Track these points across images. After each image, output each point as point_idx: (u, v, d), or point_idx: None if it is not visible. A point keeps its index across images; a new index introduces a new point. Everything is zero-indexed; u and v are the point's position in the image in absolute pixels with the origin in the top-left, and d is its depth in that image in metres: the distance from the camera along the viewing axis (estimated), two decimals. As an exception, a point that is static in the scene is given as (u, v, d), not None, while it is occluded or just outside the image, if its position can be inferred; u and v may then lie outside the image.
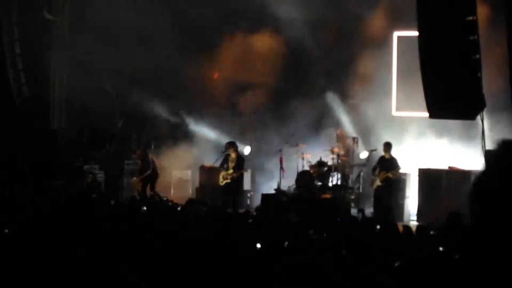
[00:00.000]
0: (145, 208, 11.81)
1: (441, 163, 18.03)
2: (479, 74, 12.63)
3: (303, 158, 19.05)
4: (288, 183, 18.91)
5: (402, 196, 17.91)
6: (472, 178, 16.90)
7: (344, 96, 19.94)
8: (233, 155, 17.73)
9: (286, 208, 16.47)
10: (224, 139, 19.81)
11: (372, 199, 17.57)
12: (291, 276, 5.96)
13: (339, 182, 18.68)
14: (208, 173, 19.62)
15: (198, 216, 10.25)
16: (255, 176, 20.08)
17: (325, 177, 18.65)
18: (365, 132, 19.38)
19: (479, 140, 14.41)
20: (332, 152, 18.73)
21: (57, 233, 6.49)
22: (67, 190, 15.34)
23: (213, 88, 20.57)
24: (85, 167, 19.83)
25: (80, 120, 20.78)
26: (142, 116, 21.01)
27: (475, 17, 12.41)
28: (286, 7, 19.16)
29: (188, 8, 19.43)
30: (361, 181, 18.75)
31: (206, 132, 20.67)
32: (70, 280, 5.52)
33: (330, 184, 18.60)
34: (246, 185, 19.59)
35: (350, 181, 18.89)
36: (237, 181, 17.78)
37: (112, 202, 12.88)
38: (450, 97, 13.01)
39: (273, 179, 19.36)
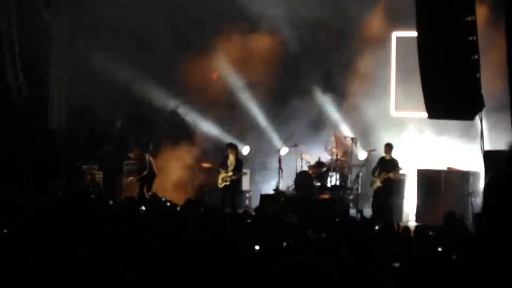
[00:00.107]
0: (143, 208, 11.82)
1: (439, 164, 18.05)
2: (478, 75, 12.65)
3: (302, 159, 19.06)
4: (287, 183, 18.91)
5: (401, 197, 17.93)
6: (471, 178, 17.03)
7: (343, 96, 19.93)
8: (231, 157, 17.75)
9: (285, 209, 16.50)
10: (224, 139, 19.86)
11: (371, 200, 17.58)
12: (290, 276, 5.98)
13: (337, 183, 18.69)
14: (207, 173, 19.62)
15: (197, 216, 10.25)
16: (254, 176, 20.08)
17: (323, 177, 18.66)
18: (364, 132, 19.38)
19: (478, 141, 14.44)
20: (331, 152, 18.74)
21: (57, 233, 6.49)
22: (66, 190, 15.31)
23: (213, 88, 20.56)
24: (84, 167, 19.83)
25: (79, 120, 20.77)
26: (141, 116, 21.00)
27: (474, 18, 12.43)
28: (285, 7, 19.16)
29: (188, 8, 19.44)
30: (360, 182, 18.75)
31: (205, 132, 20.66)
32: (70, 280, 5.52)
33: (328, 185, 18.61)
34: (245, 185, 19.62)
35: (349, 182, 18.90)
36: (236, 181, 17.81)
37: (111, 202, 12.88)
38: (449, 97, 13.03)
39: (272, 179, 19.36)
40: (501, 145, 15.71)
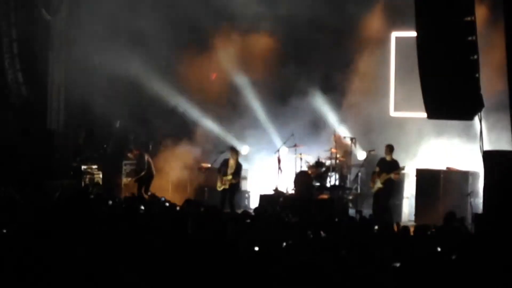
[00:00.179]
0: (142, 207, 11.82)
1: (439, 164, 18.04)
2: (477, 75, 12.64)
3: (301, 159, 19.05)
4: (286, 183, 18.90)
5: (400, 197, 17.92)
6: (470, 178, 17.04)
7: (342, 97, 19.92)
8: (232, 161, 17.76)
9: (284, 209, 16.48)
10: (223, 139, 19.86)
11: (370, 200, 17.56)
12: (290, 276, 5.97)
13: (337, 183, 18.67)
14: (206, 173, 19.61)
15: (196, 216, 10.25)
16: (253, 177, 20.07)
17: (323, 177, 18.64)
18: (363, 132, 19.35)
19: (477, 141, 14.43)
20: (331, 153, 18.74)
21: (57, 233, 6.49)
22: (64, 190, 15.29)
23: (212, 88, 20.55)
24: (83, 167, 19.83)
25: (78, 120, 20.76)
26: (141, 116, 20.98)
27: (473, 18, 12.43)
28: (284, 6, 19.14)
29: (187, 7, 19.43)
30: (359, 182, 18.74)
31: (205, 132, 20.65)
32: (70, 280, 5.52)
33: (328, 185, 18.59)
34: (244, 186, 19.61)
35: (348, 182, 18.88)
36: (235, 184, 17.83)
37: (110, 202, 12.87)
38: (448, 97, 13.02)
39: (271, 179, 19.34)
40: (501, 145, 15.72)
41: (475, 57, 12.52)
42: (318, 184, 18.55)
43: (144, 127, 20.91)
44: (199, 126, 20.65)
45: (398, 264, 6.86)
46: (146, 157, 18.96)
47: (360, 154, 19.03)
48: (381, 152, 17.65)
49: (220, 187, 17.78)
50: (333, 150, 18.73)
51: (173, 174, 20.15)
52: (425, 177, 17.53)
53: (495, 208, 12.96)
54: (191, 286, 6.38)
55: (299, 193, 18.22)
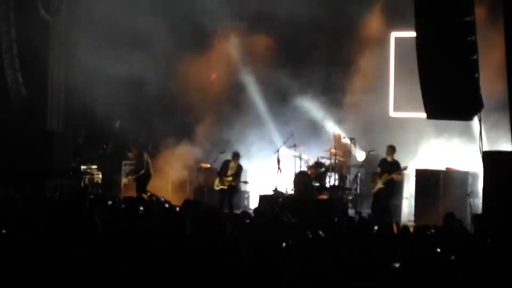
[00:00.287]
0: (142, 208, 11.80)
1: (438, 164, 18.04)
2: (476, 75, 12.65)
3: (300, 159, 19.06)
4: (286, 184, 18.90)
5: (400, 197, 17.92)
6: (470, 179, 17.04)
7: (342, 97, 19.93)
8: (233, 163, 17.79)
9: (284, 209, 16.47)
10: (223, 139, 19.87)
11: (369, 200, 17.55)
12: (290, 276, 5.97)
13: (336, 183, 18.67)
14: (206, 173, 19.61)
15: (195, 216, 10.24)
16: (253, 177, 20.07)
17: (322, 177, 18.64)
18: (363, 133, 19.37)
19: (476, 141, 14.43)
20: (330, 153, 18.74)
21: (56, 233, 6.49)
22: (63, 191, 15.29)
23: (212, 88, 20.55)
24: (83, 167, 19.83)
25: (78, 121, 20.75)
26: (140, 117, 20.99)
27: (473, 18, 12.43)
28: (284, 7, 19.14)
29: (187, 7, 19.44)
30: (358, 182, 18.74)
31: (205, 132, 20.65)
32: (70, 280, 5.52)
33: (327, 185, 18.59)
34: (244, 187, 19.61)
35: (347, 182, 18.88)
36: (234, 185, 17.83)
37: (110, 202, 12.87)
38: (448, 97, 13.02)
39: (270, 179, 19.34)
40: (500, 146, 15.73)
41: (475, 57, 12.53)
42: (317, 184, 18.55)
43: (144, 127, 20.91)
44: (199, 126, 20.66)
45: (397, 264, 6.86)
46: (145, 156, 19.01)
47: (360, 155, 19.04)
48: (381, 152, 17.65)
49: (218, 186, 17.79)
50: (333, 150, 18.74)
51: (172, 174, 20.16)
52: (425, 177, 17.54)
53: (494, 209, 12.97)
54: (190, 286, 6.38)
55: (299, 194, 18.22)
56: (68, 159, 19.41)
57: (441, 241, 9.15)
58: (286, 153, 19.30)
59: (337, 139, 19.07)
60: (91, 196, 13.86)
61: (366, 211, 16.78)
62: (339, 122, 19.84)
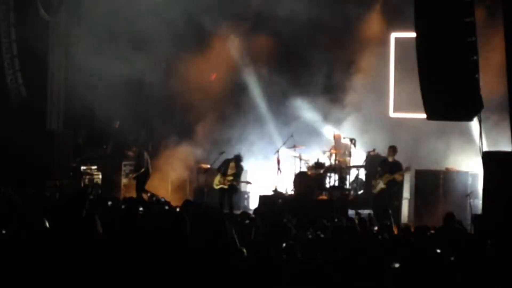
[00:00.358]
0: (141, 208, 11.81)
1: (438, 164, 18.04)
2: (476, 76, 12.64)
3: (300, 159, 19.05)
4: (286, 184, 18.90)
5: (400, 197, 17.91)
6: (470, 179, 17.04)
7: (342, 97, 19.93)
8: (233, 164, 17.80)
9: (284, 210, 16.47)
10: (223, 139, 19.88)
11: (369, 200, 17.55)
12: (290, 276, 5.97)
13: (336, 184, 18.66)
14: (206, 174, 19.61)
15: (195, 217, 10.24)
16: (252, 177, 20.08)
17: (322, 178, 18.63)
18: (363, 133, 19.37)
19: (476, 142, 14.44)
20: (330, 153, 18.73)
21: (56, 234, 6.49)
22: (63, 191, 15.29)
23: (212, 88, 20.55)
24: (83, 168, 19.82)
25: (77, 121, 20.75)
26: (140, 117, 21.00)
27: (473, 19, 12.43)
28: (284, 7, 19.15)
29: (187, 7, 19.44)
30: (358, 182, 18.73)
31: (205, 132, 20.66)
32: (70, 280, 5.52)
33: (327, 186, 18.58)
34: (244, 186, 19.61)
35: (347, 182, 18.87)
36: (234, 185, 17.84)
37: (110, 202, 12.86)
38: (448, 98, 13.01)
39: (270, 180, 19.35)
40: (500, 146, 15.72)
41: (475, 58, 12.52)
42: (317, 185, 18.53)
43: (144, 127, 20.91)
44: (199, 126, 20.66)
45: (397, 265, 6.86)
46: (145, 155, 19.07)
47: (360, 155, 19.03)
48: (380, 153, 17.63)
49: (217, 185, 17.79)
50: (333, 151, 18.73)
51: (172, 174, 20.17)
52: (425, 178, 17.54)
53: (494, 209, 12.97)
54: (190, 286, 6.38)
55: (299, 194, 18.21)
56: (68, 159, 19.40)
57: (441, 242, 9.15)
58: (286, 153, 19.31)
59: (337, 139, 19.06)
60: (91, 197, 13.89)
61: (366, 212, 16.76)
62: (339, 122, 19.83)
